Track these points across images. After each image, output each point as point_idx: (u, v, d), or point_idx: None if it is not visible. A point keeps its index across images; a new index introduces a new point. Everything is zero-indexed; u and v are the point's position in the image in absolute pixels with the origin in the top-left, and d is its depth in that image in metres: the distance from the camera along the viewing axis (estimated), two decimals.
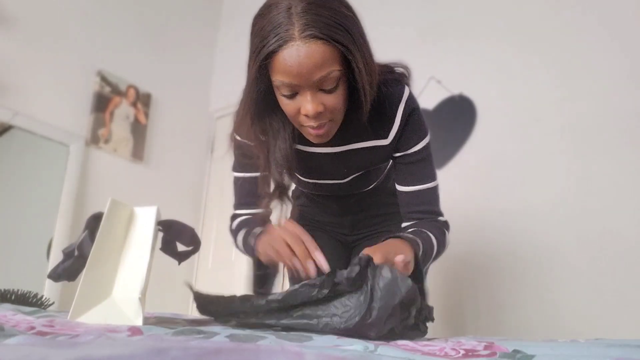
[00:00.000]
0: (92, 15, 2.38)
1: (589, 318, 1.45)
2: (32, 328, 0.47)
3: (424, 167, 0.90)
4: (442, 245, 0.87)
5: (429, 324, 0.64)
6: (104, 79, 2.35)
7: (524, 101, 1.76)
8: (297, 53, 0.67)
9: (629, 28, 1.58)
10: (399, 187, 0.92)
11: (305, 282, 0.58)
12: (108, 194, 0.77)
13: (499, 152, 1.79)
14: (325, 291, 0.57)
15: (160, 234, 0.75)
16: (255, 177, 0.89)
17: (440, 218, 0.93)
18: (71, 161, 2.16)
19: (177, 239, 0.77)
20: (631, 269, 1.42)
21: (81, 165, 2.20)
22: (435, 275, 1.74)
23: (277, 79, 0.71)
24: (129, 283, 0.66)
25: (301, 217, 1.13)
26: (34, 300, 0.85)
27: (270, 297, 0.59)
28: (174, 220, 0.77)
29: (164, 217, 0.75)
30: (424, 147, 0.89)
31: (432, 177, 0.91)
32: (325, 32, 0.67)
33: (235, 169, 0.95)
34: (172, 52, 2.74)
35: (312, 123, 0.75)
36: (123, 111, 2.41)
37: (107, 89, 2.36)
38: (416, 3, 2.15)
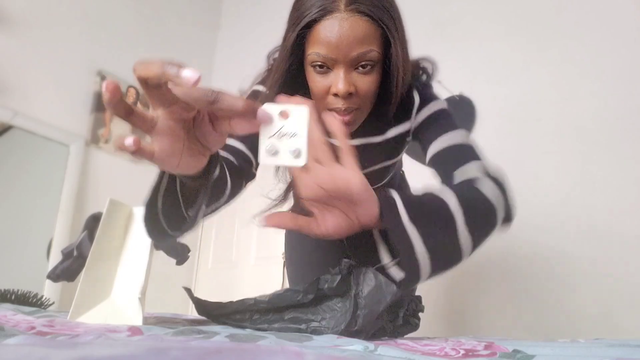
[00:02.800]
0: (92, 15, 2.38)
1: (589, 318, 1.45)
2: (32, 328, 0.47)
3: (441, 127, 0.77)
4: (472, 209, 0.57)
5: (421, 315, 0.64)
6: (104, 79, 2.35)
7: (524, 101, 1.76)
8: (340, 24, 0.66)
9: (629, 28, 1.58)
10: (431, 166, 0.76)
11: (290, 287, 0.59)
12: (108, 194, 0.77)
13: (498, 152, 1.78)
14: (310, 296, 0.58)
15: None
16: None
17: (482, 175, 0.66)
18: (71, 161, 2.16)
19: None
20: (631, 269, 1.42)
21: (81, 165, 2.20)
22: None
23: (314, 51, 0.69)
24: (129, 283, 0.66)
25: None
26: (34, 300, 0.85)
27: (258, 298, 0.60)
28: None
29: None
30: (439, 110, 0.80)
31: (461, 135, 0.75)
32: (372, 10, 0.66)
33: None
34: (172, 52, 2.74)
35: (340, 105, 0.72)
36: None
37: None
38: (416, 3, 2.15)
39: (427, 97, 0.82)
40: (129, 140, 0.43)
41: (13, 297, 0.83)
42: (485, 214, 0.61)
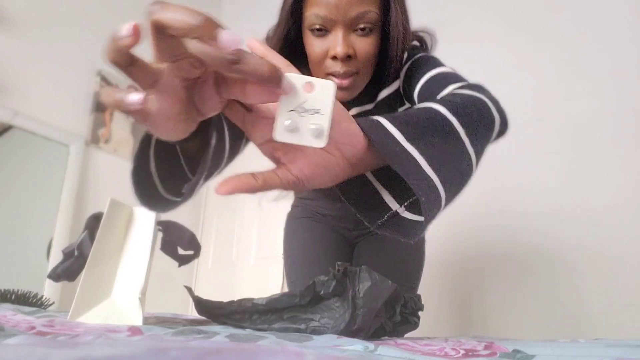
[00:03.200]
0: (92, 15, 2.38)
1: (589, 318, 1.45)
2: (32, 328, 0.47)
3: (429, 65, 0.74)
4: (462, 107, 0.50)
5: (422, 314, 0.64)
6: (104, 79, 2.35)
7: (524, 101, 1.76)
8: None
9: (629, 28, 1.58)
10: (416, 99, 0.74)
11: (286, 292, 0.59)
12: (108, 194, 0.77)
13: (498, 152, 1.78)
14: (307, 299, 0.58)
15: (160, 234, 0.75)
16: None
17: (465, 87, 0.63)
18: (71, 161, 2.16)
19: (176, 241, 0.77)
20: (631, 269, 1.42)
21: (81, 165, 2.20)
22: (435, 276, 1.74)
23: (312, 12, 0.68)
24: (129, 283, 0.66)
25: (305, 210, 1.12)
26: (34, 300, 0.85)
27: (255, 301, 0.60)
28: (173, 222, 0.77)
29: (163, 218, 0.75)
30: (421, 56, 0.77)
31: (444, 68, 0.74)
32: None
33: None
34: None
35: (339, 68, 0.70)
36: None
37: None
38: (414, 4, 2.15)
39: (414, 53, 0.80)
40: (136, 97, 0.34)
41: (13, 297, 0.83)
42: (478, 108, 0.53)
